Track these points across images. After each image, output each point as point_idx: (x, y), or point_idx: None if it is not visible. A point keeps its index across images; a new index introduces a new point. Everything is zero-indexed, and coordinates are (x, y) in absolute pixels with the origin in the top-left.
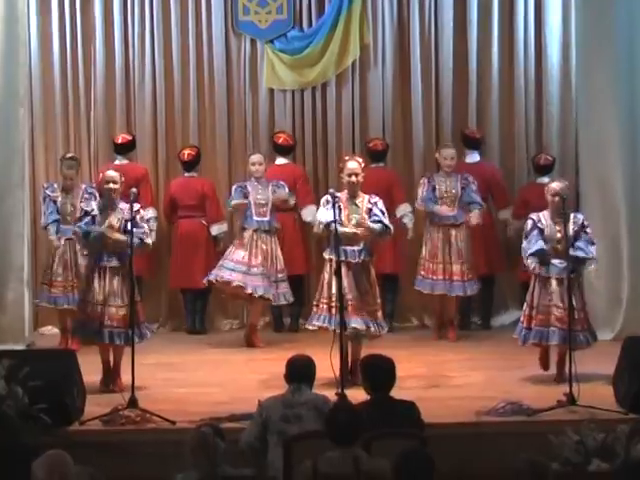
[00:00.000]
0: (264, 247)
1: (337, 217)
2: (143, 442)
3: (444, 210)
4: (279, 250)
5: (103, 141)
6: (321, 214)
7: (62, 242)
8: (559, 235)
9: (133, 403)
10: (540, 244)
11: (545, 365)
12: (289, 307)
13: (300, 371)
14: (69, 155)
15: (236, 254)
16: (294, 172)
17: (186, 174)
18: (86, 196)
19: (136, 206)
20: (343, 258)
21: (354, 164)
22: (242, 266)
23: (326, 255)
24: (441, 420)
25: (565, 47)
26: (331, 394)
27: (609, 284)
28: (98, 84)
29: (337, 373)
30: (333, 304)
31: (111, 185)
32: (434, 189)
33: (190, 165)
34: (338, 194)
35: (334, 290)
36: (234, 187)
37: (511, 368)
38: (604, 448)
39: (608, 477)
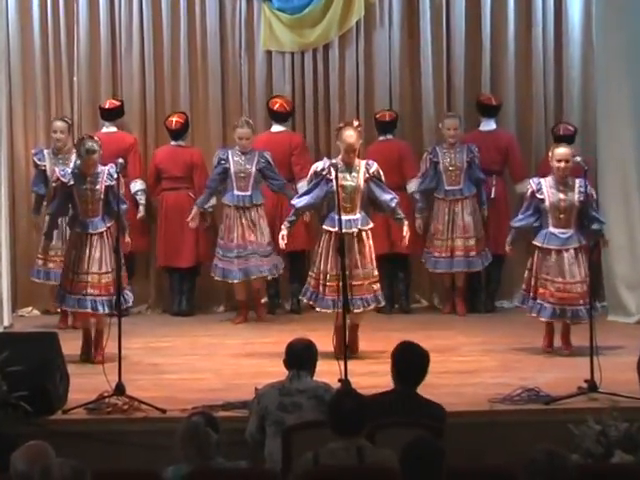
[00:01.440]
0: (244, 222)
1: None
2: (131, 432)
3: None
4: (263, 221)
5: (87, 106)
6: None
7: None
8: (563, 205)
9: (120, 390)
10: (528, 220)
11: (549, 343)
12: (289, 286)
13: (300, 356)
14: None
15: (226, 238)
16: (291, 141)
17: (173, 143)
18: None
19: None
20: (356, 228)
21: (350, 130)
22: (233, 251)
23: (326, 227)
24: (452, 408)
25: (587, 4)
26: (333, 381)
27: (629, 268)
28: (82, 44)
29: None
30: (328, 283)
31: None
32: (436, 165)
33: (178, 134)
34: (329, 162)
35: (328, 267)
36: (215, 158)
37: (527, 352)
38: (627, 438)
39: (631, 469)
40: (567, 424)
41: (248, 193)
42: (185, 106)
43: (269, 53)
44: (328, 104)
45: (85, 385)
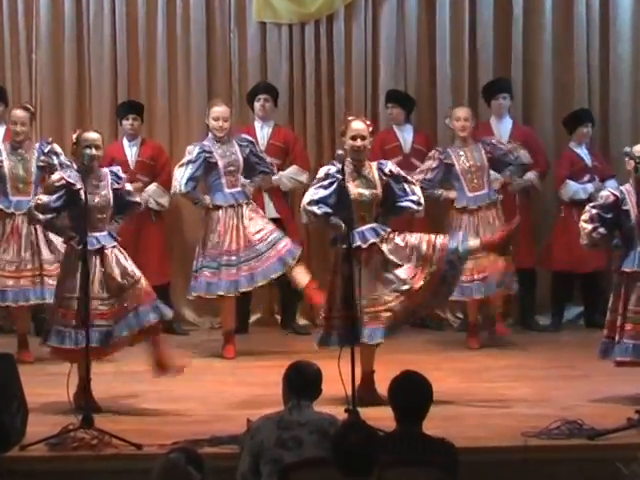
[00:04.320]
0: (235, 222)
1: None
2: (101, 472)
3: (452, 195)
4: (256, 213)
5: (49, 89)
6: (310, 195)
7: (18, 220)
8: None
9: (88, 422)
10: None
11: None
12: (281, 303)
13: (301, 383)
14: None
15: (212, 242)
16: (285, 138)
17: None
18: (43, 158)
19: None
20: (359, 243)
21: (359, 124)
22: (224, 258)
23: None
24: (478, 444)
25: None
26: (339, 412)
27: None
28: (42, 15)
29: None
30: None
31: (94, 151)
32: (450, 169)
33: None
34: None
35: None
36: (196, 150)
37: (568, 378)
38: None
39: None
40: (615, 462)
41: (238, 189)
42: (163, 89)
43: (263, 25)
44: (332, 86)
45: (47, 416)
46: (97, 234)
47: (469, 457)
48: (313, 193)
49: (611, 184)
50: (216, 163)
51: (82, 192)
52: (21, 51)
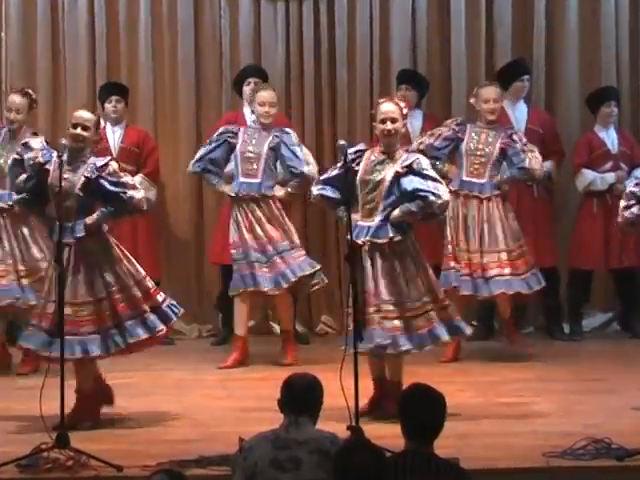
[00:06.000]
0: (250, 217)
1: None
2: None
3: (454, 170)
4: (276, 212)
5: (19, 70)
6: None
7: None
8: None
9: (63, 441)
10: None
11: None
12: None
13: (299, 398)
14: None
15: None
16: (280, 125)
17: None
18: (18, 150)
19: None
20: (365, 238)
21: (390, 106)
22: (241, 253)
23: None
24: (496, 465)
25: None
26: (342, 430)
27: None
28: None
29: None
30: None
31: (78, 130)
32: (458, 144)
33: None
34: (359, 147)
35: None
36: (221, 129)
37: (594, 392)
38: None
39: None
40: None
41: (257, 180)
42: (146, 72)
43: (257, 1)
44: (333, 69)
45: (17, 435)
46: (71, 225)
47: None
48: (324, 174)
49: (638, 173)
50: (235, 147)
51: (52, 171)
52: None
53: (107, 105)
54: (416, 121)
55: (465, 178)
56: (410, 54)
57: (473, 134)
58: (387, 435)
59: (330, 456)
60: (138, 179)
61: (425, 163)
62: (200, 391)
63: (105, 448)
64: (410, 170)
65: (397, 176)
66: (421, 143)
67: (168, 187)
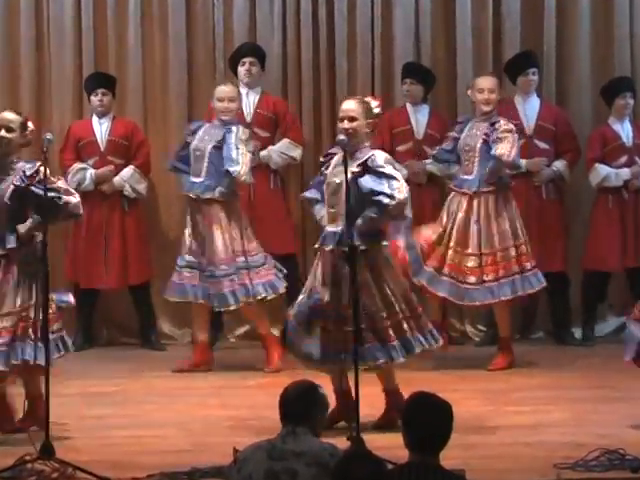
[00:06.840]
0: (204, 221)
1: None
2: None
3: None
4: (241, 219)
5: (1, 58)
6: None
7: None
8: None
9: (48, 452)
10: None
11: None
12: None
13: (297, 407)
14: None
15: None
16: (275, 107)
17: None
18: None
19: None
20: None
21: (350, 104)
22: (194, 261)
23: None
24: (505, 477)
25: None
26: (342, 441)
27: None
28: None
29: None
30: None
31: (2, 132)
32: (456, 142)
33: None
34: (331, 150)
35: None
36: (191, 127)
37: (608, 400)
38: None
39: None
40: None
41: (200, 180)
42: (135, 64)
43: None
44: (333, 60)
45: (1, 446)
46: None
47: None
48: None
49: None
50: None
51: None
52: None
53: (93, 98)
54: (422, 116)
55: (460, 176)
56: (413, 42)
57: (467, 129)
58: (390, 446)
59: (329, 469)
60: (129, 171)
61: (381, 159)
62: (192, 399)
63: (92, 459)
64: (365, 168)
65: (355, 177)
66: (435, 149)
67: (159, 185)
